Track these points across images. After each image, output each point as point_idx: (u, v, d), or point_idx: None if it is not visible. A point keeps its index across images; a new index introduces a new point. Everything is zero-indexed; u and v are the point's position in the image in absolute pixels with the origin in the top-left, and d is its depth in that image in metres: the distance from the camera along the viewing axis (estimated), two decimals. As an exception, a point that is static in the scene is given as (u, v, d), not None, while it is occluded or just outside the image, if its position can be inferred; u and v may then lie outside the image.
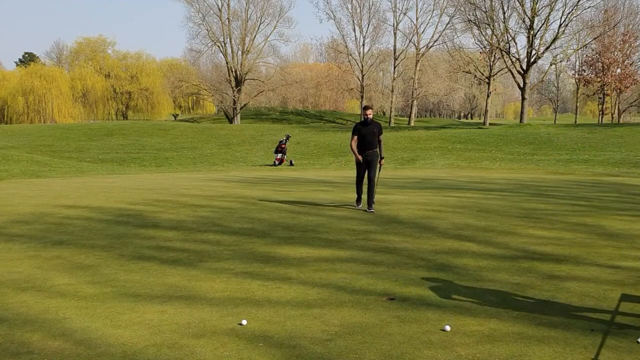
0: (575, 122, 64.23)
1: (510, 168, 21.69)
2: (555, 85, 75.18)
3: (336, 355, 4.02)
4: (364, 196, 10.33)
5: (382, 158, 10.18)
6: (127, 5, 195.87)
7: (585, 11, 48.92)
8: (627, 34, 56.14)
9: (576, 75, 62.73)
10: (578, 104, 72.62)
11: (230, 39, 63.68)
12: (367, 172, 10.08)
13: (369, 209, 9.90)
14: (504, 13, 47.82)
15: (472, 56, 55.07)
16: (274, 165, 25.38)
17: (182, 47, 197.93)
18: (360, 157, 9.99)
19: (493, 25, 47.98)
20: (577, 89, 65.73)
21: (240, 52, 64.22)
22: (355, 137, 10.02)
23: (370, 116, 9.90)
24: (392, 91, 62.27)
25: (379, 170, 10.32)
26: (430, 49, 62.20)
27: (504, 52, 48.27)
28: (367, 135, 9.91)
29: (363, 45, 62.34)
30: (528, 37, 46.92)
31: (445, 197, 12.04)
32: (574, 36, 50.86)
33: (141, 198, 12.03)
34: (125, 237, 8.04)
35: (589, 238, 7.81)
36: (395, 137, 36.14)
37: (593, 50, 57.32)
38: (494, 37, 48.34)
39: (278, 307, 5.02)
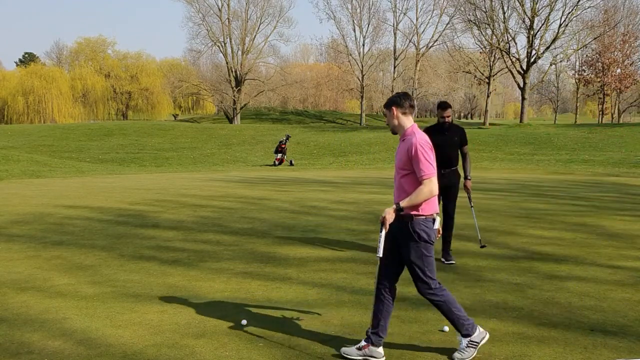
0: (575, 122, 64.22)
1: (510, 168, 21.68)
2: (555, 85, 75.10)
3: (336, 355, 4.02)
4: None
5: (467, 178, 6.91)
6: (127, 5, 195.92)
7: (585, 11, 48.89)
8: (627, 34, 56.15)
9: (576, 75, 62.72)
10: (578, 104, 72.59)
11: (230, 39, 63.70)
12: (442, 201, 6.71)
13: (447, 259, 6.67)
14: (504, 13, 47.82)
15: (472, 56, 55.03)
16: (274, 165, 25.38)
17: (182, 47, 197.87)
18: None
19: (493, 25, 47.97)
20: (577, 89, 65.70)
21: (240, 52, 64.23)
22: None
23: (449, 119, 6.71)
24: (392, 91, 62.14)
25: (470, 200, 7.06)
26: (430, 49, 62.22)
27: (504, 52, 48.25)
28: (445, 147, 6.62)
29: (363, 45, 62.36)
30: (528, 37, 46.91)
31: (445, 197, 12.02)
32: (574, 36, 50.82)
33: (141, 198, 12.03)
34: (125, 237, 8.04)
35: (589, 238, 7.81)
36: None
37: (593, 50, 57.32)
38: (494, 37, 48.33)
39: (278, 307, 5.02)
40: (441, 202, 6.67)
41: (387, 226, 3.89)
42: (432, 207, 3.90)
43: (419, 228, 3.85)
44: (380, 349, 3.98)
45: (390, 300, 4.08)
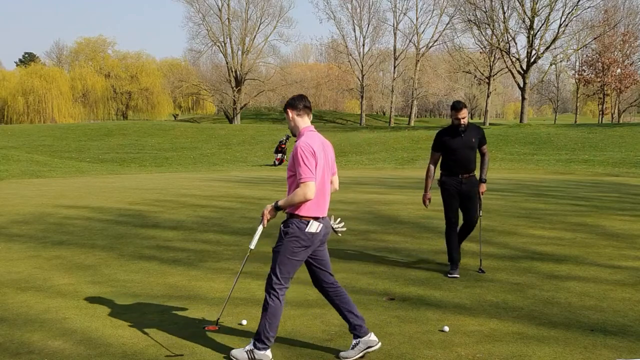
0: (575, 122, 64.24)
1: (510, 168, 21.68)
2: (555, 85, 75.17)
3: (336, 355, 4.02)
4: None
5: (482, 181, 6.24)
6: (127, 5, 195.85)
7: (585, 11, 49.03)
8: (627, 34, 56.16)
9: (576, 75, 62.75)
10: (578, 104, 72.64)
11: (230, 39, 63.74)
12: (463, 210, 6.20)
13: (452, 271, 6.08)
14: (504, 13, 47.86)
15: (472, 56, 55.08)
16: (274, 165, 25.39)
17: (182, 47, 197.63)
18: (428, 199, 6.25)
19: (493, 25, 48.01)
20: (577, 89, 65.75)
21: (240, 52, 64.28)
22: (438, 156, 6.19)
23: (465, 120, 5.98)
24: (392, 91, 62.30)
25: (479, 206, 6.26)
26: (430, 49, 62.32)
27: (504, 52, 48.29)
28: (461, 150, 6.03)
29: (363, 45, 62.47)
30: (528, 37, 46.94)
31: (445, 197, 12.02)
32: (574, 36, 50.94)
33: (141, 198, 12.03)
34: (125, 237, 8.04)
35: (589, 238, 7.81)
36: (395, 137, 36.13)
37: (593, 50, 57.35)
38: (494, 37, 48.37)
39: (278, 307, 5.01)
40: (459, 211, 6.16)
41: (265, 222, 4.02)
42: (309, 211, 3.90)
43: (287, 226, 3.94)
44: (372, 336, 4.01)
45: (338, 293, 4.18)
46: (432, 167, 6.22)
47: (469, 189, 6.09)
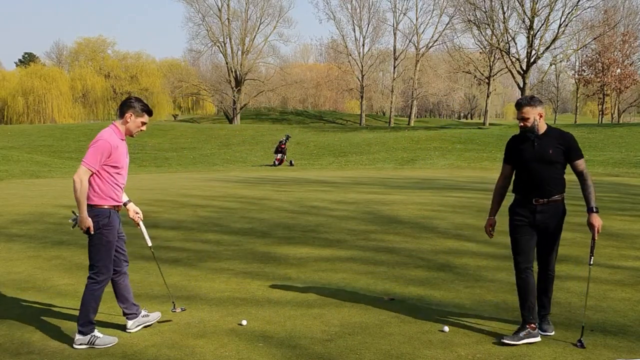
0: (575, 122, 64.24)
1: (510, 168, 21.63)
2: (555, 85, 75.15)
3: (336, 355, 4.02)
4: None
5: (592, 210, 4.37)
6: (127, 5, 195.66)
7: (585, 11, 48.95)
8: (627, 34, 56.18)
9: (576, 75, 62.75)
10: (578, 104, 72.63)
11: (230, 39, 63.73)
12: (538, 248, 4.50)
13: (544, 327, 4.38)
14: (503, 13, 47.83)
15: (472, 56, 55.08)
16: (274, 165, 25.39)
17: (182, 47, 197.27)
18: (490, 225, 4.59)
19: (493, 26, 47.98)
20: (577, 89, 65.73)
21: (240, 52, 64.24)
22: (508, 170, 4.60)
23: (531, 122, 4.26)
24: (392, 91, 62.28)
25: (591, 250, 4.55)
26: (430, 49, 62.30)
27: (503, 52, 48.25)
28: (532, 164, 4.33)
29: (363, 45, 62.43)
30: (528, 37, 46.92)
31: (445, 197, 12.03)
32: (574, 36, 50.90)
33: (141, 198, 12.03)
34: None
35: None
36: (395, 137, 36.13)
37: (593, 50, 57.35)
38: (494, 37, 48.34)
39: (278, 307, 5.02)
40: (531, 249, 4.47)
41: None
42: None
43: None
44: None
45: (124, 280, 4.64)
46: (500, 183, 4.66)
47: (546, 221, 4.36)
